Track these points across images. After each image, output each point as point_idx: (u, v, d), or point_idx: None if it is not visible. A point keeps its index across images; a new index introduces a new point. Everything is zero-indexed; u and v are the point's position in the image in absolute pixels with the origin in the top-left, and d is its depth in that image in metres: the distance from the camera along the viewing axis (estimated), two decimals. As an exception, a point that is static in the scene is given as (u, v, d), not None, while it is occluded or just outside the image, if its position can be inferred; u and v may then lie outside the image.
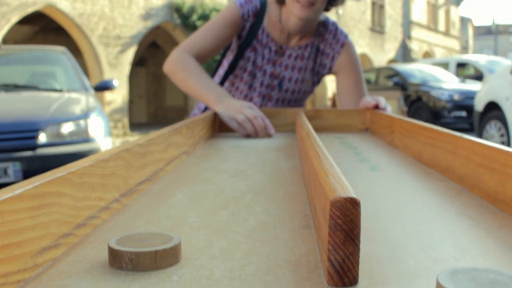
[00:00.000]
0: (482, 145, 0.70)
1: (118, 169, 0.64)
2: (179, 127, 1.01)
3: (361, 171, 0.91)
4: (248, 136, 1.49)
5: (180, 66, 1.69)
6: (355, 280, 0.39)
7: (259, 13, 1.81)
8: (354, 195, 0.39)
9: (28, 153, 3.86)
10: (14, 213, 0.40)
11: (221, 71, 1.92)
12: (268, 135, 1.50)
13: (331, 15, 18.48)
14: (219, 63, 1.95)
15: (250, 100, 1.88)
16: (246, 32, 1.82)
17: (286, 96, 1.90)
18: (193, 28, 13.52)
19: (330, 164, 0.52)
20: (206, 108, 1.93)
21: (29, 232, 0.42)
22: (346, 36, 1.91)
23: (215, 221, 0.58)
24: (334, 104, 10.99)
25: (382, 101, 1.64)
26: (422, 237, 0.52)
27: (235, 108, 1.50)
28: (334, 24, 1.91)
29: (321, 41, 1.89)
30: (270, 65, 1.85)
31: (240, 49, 1.83)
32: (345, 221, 0.38)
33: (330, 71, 1.92)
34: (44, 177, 0.47)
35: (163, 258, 0.43)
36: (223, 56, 1.94)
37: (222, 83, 1.88)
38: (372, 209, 0.64)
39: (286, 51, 1.85)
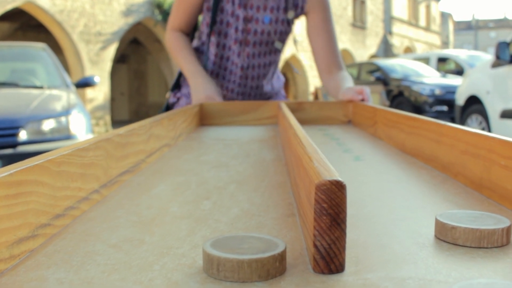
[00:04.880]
0: (466, 132, 0.69)
1: (97, 159, 0.62)
2: (161, 118, 1.00)
3: (345, 161, 0.90)
4: None
5: (171, 46, 1.93)
6: (341, 267, 0.38)
7: None
8: (339, 178, 0.38)
9: (9, 151, 3.81)
10: (-12, 202, 0.39)
11: (205, 30, 1.92)
12: None
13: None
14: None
15: (229, 49, 1.88)
16: None
17: (263, 38, 1.88)
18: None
19: (314, 150, 0.51)
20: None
21: (5, 222, 0.41)
22: None
23: (197, 211, 0.57)
24: (316, 98, 10.99)
25: (366, 89, 1.62)
26: (408, 223, 0.52)
27: (198, 98, 1.74)
28: None
29: None
30: (241, 9, 1.83)
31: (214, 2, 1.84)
32: (331, 205, 0.37)
33: (302, 11, 1.91)
34: (20, 164, 0.45)
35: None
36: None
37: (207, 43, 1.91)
38: (357, 196, 0.63)
39: None
